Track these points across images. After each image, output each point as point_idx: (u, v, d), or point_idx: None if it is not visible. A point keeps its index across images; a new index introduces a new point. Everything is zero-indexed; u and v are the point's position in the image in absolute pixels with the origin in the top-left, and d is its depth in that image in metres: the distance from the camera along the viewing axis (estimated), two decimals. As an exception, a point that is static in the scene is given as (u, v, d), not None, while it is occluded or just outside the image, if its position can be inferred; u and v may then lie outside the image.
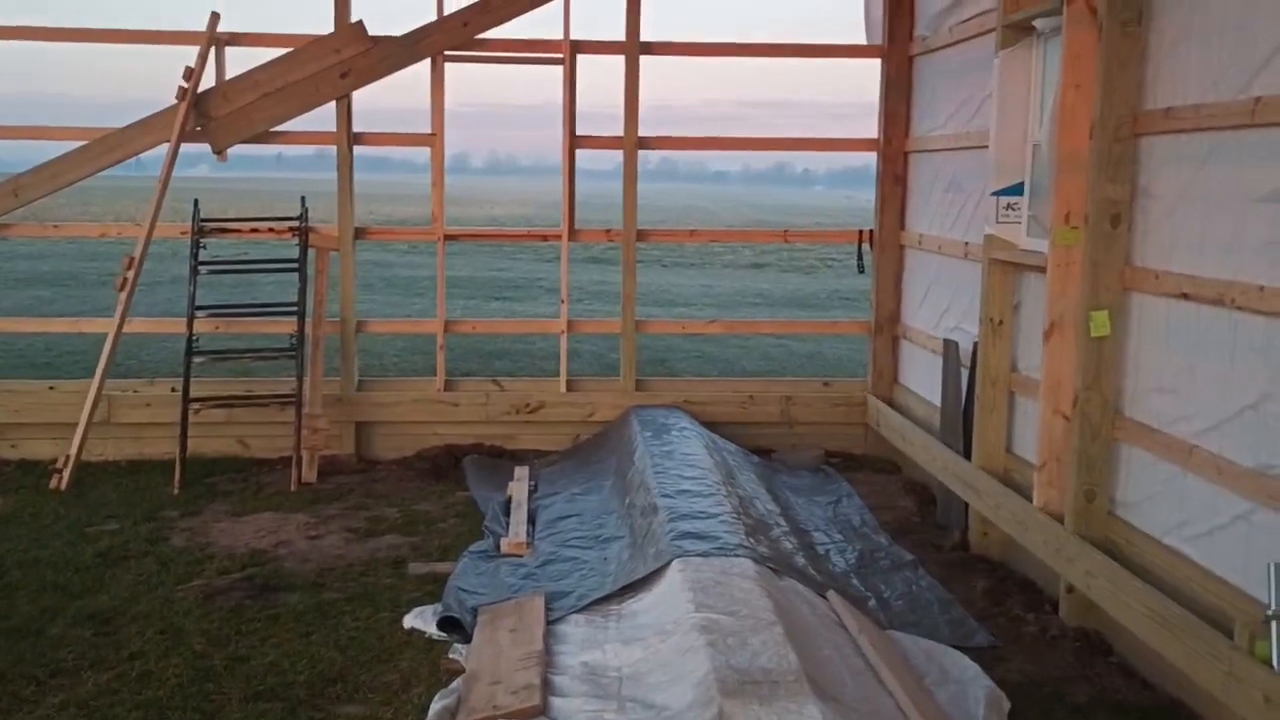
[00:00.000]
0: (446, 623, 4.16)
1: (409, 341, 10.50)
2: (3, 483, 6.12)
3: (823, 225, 28.40)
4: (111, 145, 6.47)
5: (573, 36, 6.63)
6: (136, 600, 4.43)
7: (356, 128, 6.60)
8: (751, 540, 4.45)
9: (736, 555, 4.22)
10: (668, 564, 4.16)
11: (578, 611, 4.08)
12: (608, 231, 7.20)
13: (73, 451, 6.05)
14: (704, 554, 4.20)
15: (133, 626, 4.18)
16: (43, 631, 4.12)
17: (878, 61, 6.82)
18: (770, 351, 11.39)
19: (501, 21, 6.63)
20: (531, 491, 5.77)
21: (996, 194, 5.08)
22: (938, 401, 5.89)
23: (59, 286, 15.57)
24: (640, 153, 6.75)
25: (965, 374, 5.57)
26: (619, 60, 6.66)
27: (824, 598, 4.20)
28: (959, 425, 5.55)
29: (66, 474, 5.98)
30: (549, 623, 3.99)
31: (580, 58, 6.67)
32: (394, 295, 15.05)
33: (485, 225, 21.77)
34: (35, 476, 6.16)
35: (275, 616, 4.27)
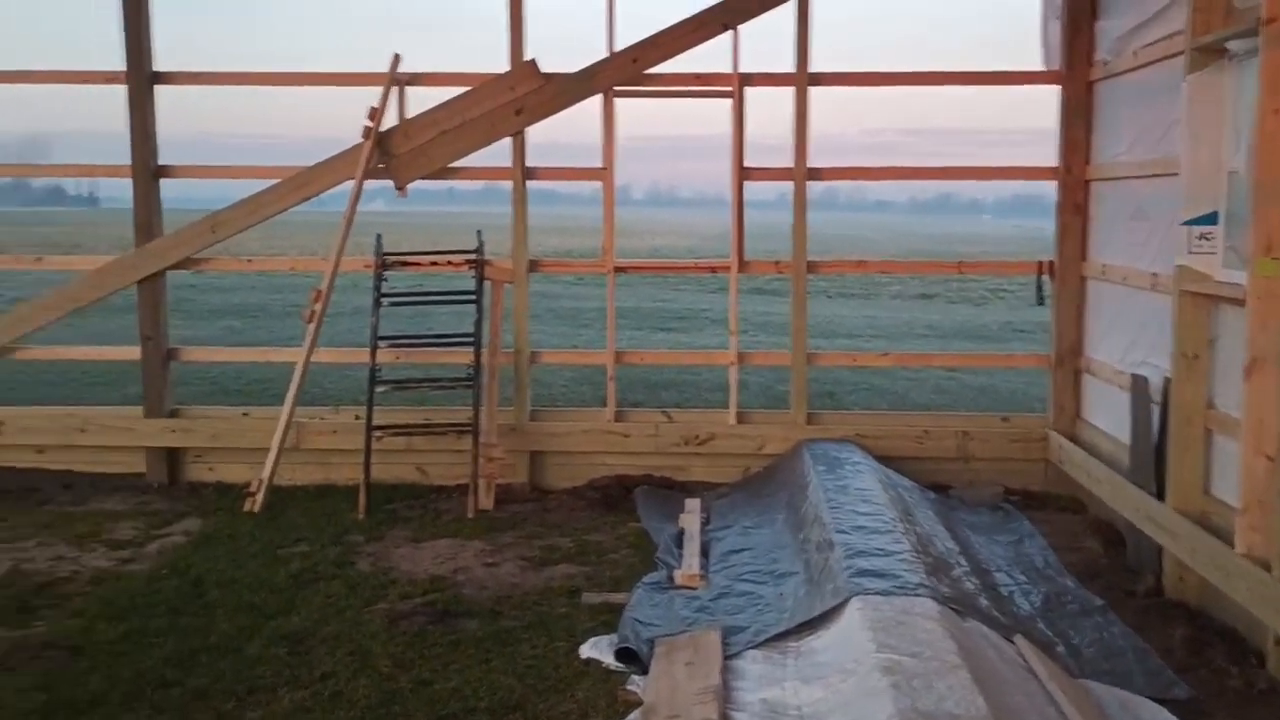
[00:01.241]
0: (622, 653, 4.18)
1: (576, 372, 10.67)
2: (201, 504, 6.46)
3: (992, 255, 27.70)
4: (301, 183, 6.79)
5: (741, 69, 6.65)
6: (326, 622, 4.60)
7: (529, 163, 6.76)
8: (932, 579, 4.34)
9: (918, 594, 4.11)
10: (846, 601, 4.08)
11: (755, 647, 4.04)
12: (777, 263, 7.17)
13: (265, 475, 6.33)
14: (884, 592, 4.11)
15: (324, 647, 4.33)
16: (241, 650, 4.31)
17: (1052, 87, 6.62)
18: (942, 385, 11.13)
19: (669, 57, 6.70)
20: (703, 524, 5.76)
21: (1188, 223, 4.84)
22: (1124, 438, 5.64)
23: (248, 317, 16.41)
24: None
25: (1156, 410, 5.31)
26: (779, 91, 6.67)
27: (1010, 641, 4.05)
28: (1150, 464, 5.30)
29: (260, 497, 6.27)
30: (726, 657, 3.96)
31: (747, 90, 6.69)
32: (560, 326, 15.33)
33: (648, 257, 21.95)
34: (230, 498, 6.48)
35: (456, 642, 4.37)
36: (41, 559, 5.47)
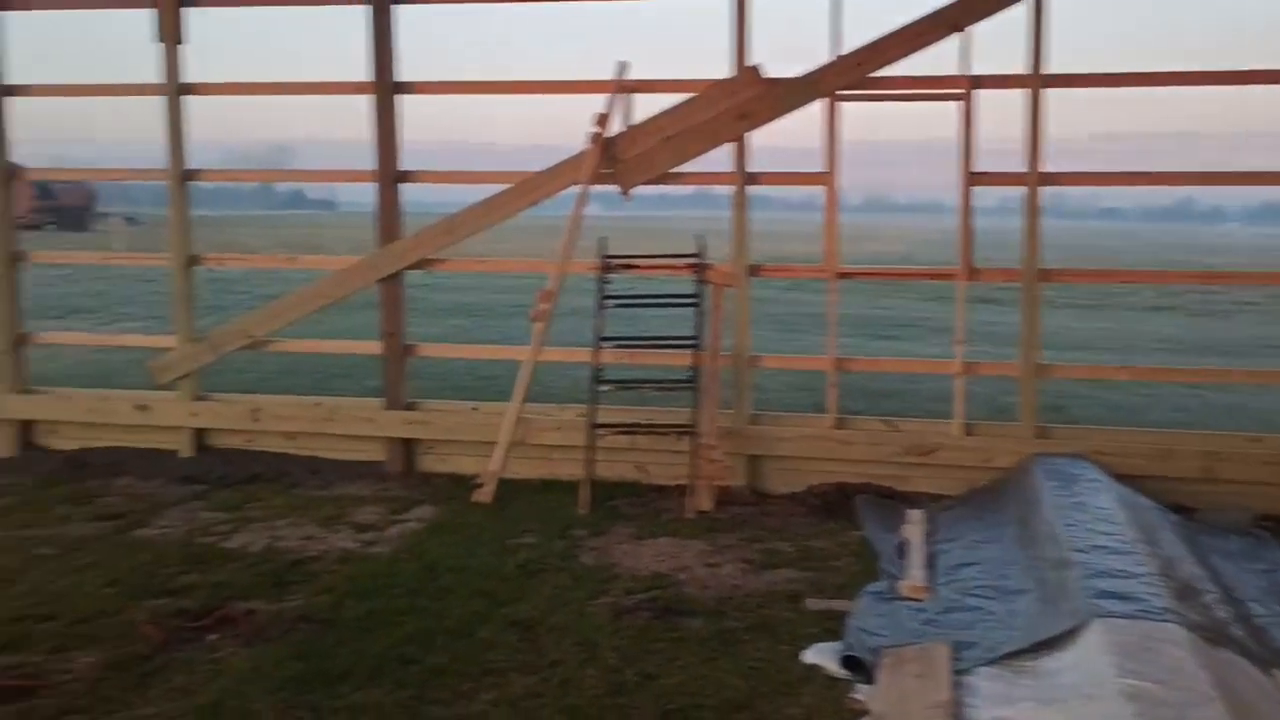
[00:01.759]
0: (847, 661, 4.14)
1: (792, 377, 10.59)
2: (434, 493, 6.76)
3: (1239, 266, 25.97)
4: (531, 187, 7.01)
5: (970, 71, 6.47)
6: (554, 611, 4.74)
7: (749, 168, 6.76)
8: (1180, 605, 4.10)
9: (1164, 620, 3.90)
10: (1085, 623, 3.91)
11: (987, 664, 3.92)
12: (1006, 271, 6.94)
13: (494, 468, 6.58)
14: (1127, 615, 3.92)
15: (551, 636, 4.46)
16: (474, 633, 4.49)
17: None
18: (1182, 402, 10.52)
19: (895, 60, 6.56)
20: (926, 535, 5.63)
21: None
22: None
23: (475, 316, 17.07)
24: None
25: None
26: (1005, 94, 6.46)
27: (1269, 675, 3.79)
28: None
29: (489, 489, 6.51)
30: (955, 672, 3.86)
31: (977, 93, 6.50)
32: (773, 331, 15.27)
33: (866, 263, 21.65)
34: (461, 489, 6.75)
35: (680, 639, 4.42)
36: (293, 538, 5.84)
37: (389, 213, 7.08)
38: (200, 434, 7.43)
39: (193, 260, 7.39)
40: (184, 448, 7.38)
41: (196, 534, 5.91)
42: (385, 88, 6.94)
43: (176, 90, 7.10)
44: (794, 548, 5.69)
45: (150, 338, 8.46)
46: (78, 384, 8.24)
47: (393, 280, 7.14)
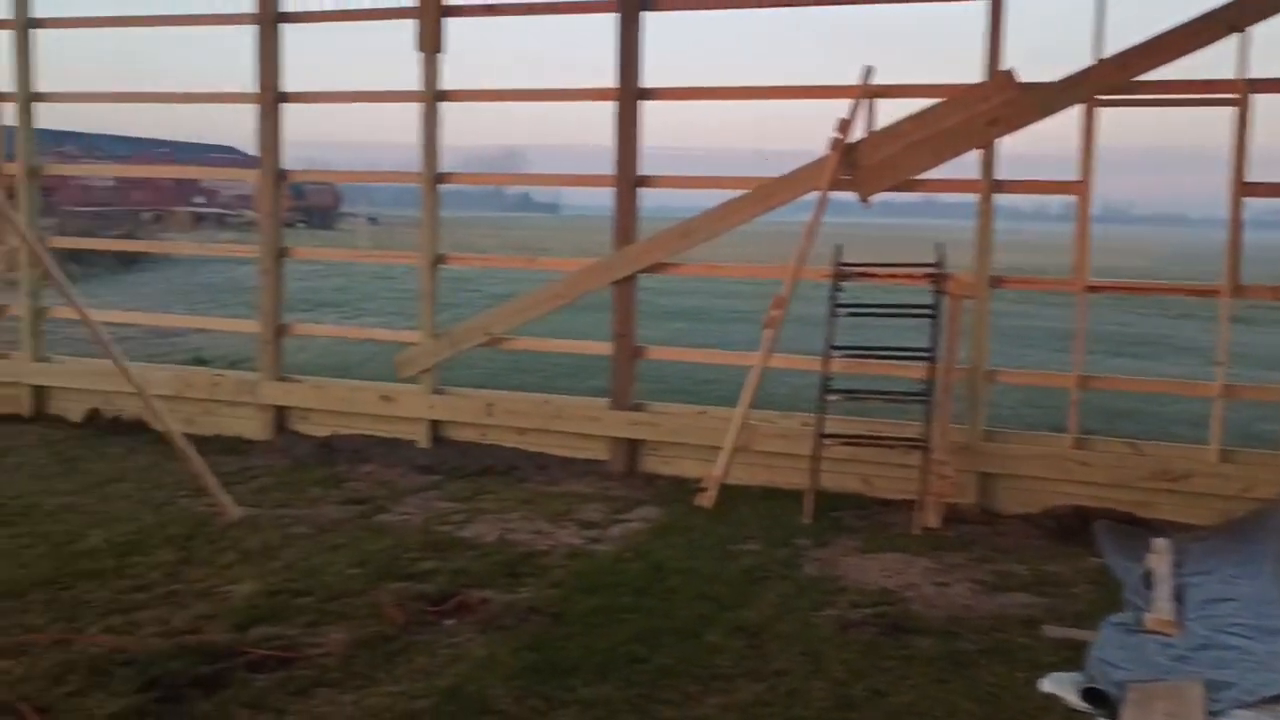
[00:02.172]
0: (1088, 694, 3.95)
1: (1022, 393, 10.20)
2: (657, 494, 6.85)
3: None
4: (768, 193, 7.01)
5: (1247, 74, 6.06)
6: (779, 620, 4.72)
7: (996, 175, 6.55)
8: None
9: None
10: (1362, 673, 3.60)
11: (1245, 707, 3.67)
12: (1276, 289, 6.47)
13: (718, 472, 6.60)
14: None
15: (777, 644, 4.44)
16: (700, 636, 4.52)
17: None
18: None
19: (1163, 63, 6.24)
20: (1174, 566, 5.31)
21: None
22: None
23: (695, 320, 17.21)
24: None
25: None
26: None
27: None
28: None
29: (712, 493, 6.55)
30: (1210, 714, 3.63)
31: (1256, 98, 6.08)
32: (1003, 345, 14.72)
33: (1106, 276, 20.66)
34: (684, 491, 6.81)
35: (909, 658, 4.32)
36: (524, 531, 6.03)
37: (626, 216, 7.22)
38: (437, 426, 7.77)
39: (439, 260, 7.73)
40: (422, 438, 7.73)
41: (434, 522, 6.18)
42: (629, 94, 7.07)
43: (434, 97, 7.45)
44: (1028, 571, 5.48)
45: (394, 332, 8.91)
46: (322, 374, 8.75)
47: (626, 283, 7.27)
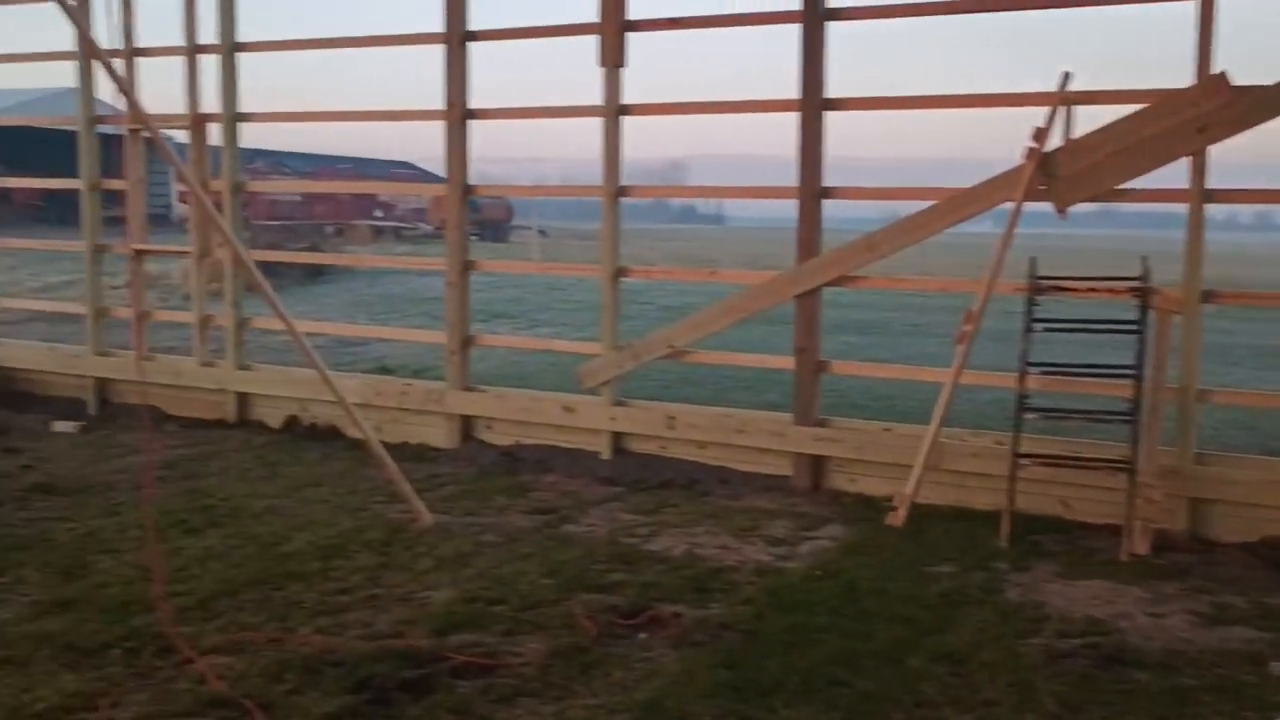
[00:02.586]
0: (1332, 741, 3.67)
1: (1227, 414, 9.65)
2: (843, 512, 6.72)
3: None
4: (959, 204, 6.81)
5: None
6: (982, 646, 4.54)
7: (1208, 184, 6.21)
8: None
9: None
10: None
11: None
12: None
13: (908, 491, 6.44)
14: None
15: (983, 673, 4.28)
16: (902, 661, 4.39)
17: None
18: None
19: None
20: None
21: None
22: None
23: (865, 334, 16.91)
24: None
25: None
26: None
27: None
28: None
29: (902, 512, 6.38)
30: None
31: None
32: (1210, 364, 14.01)
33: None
34: (871, 510, 6.67)
35: (1128, 692, 4.11)
36: (710, 546, 6.00)
37: (809, 229, 7.12)
38: (618, 437, 7.81)
39: (620, 272, 7.78)
40: (604, 450, 7.79)
41: (619, 534, 6.20)
42: (813, 105, 6.99)
43: (616, 111, 7.52)
44: (1249, 603, 5.15)
45: (575, 344, 9.02)
46: (499, 384, 8.89)
47: (810, 297, 7.17)
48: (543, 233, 42.77)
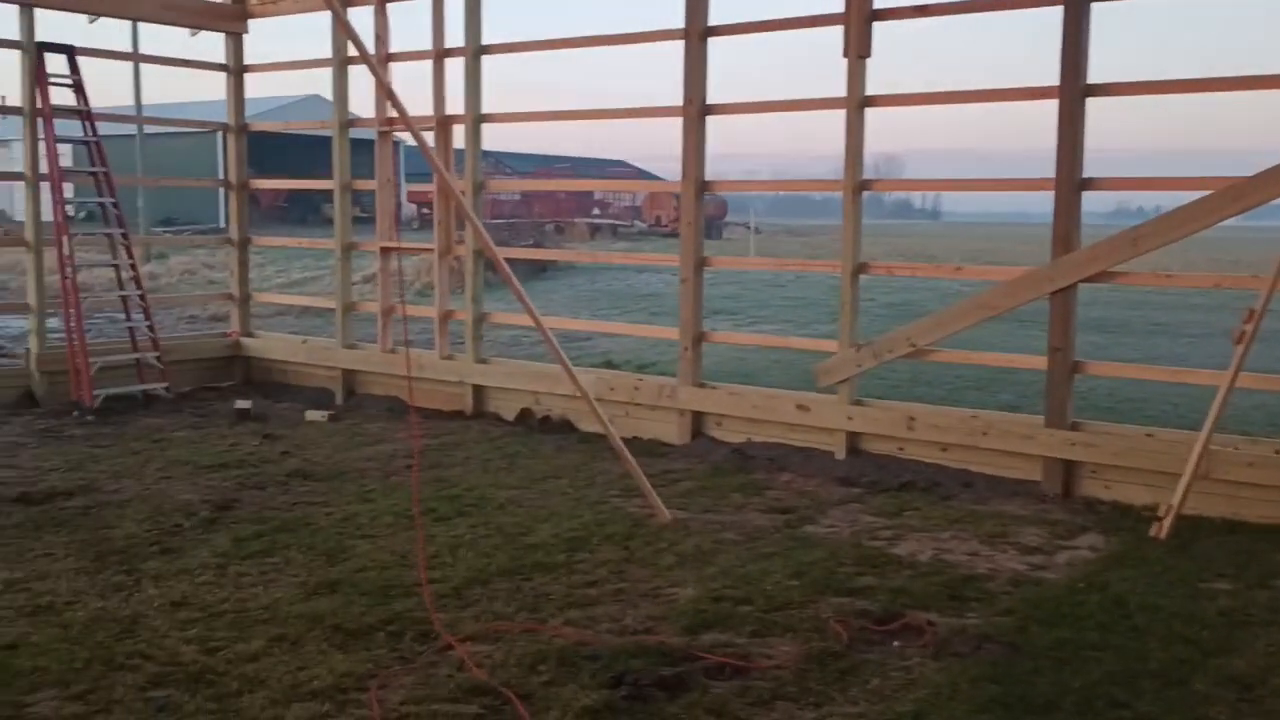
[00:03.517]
0: None
1: None
2: (1100, 521, 6.34)
3: None
4: (1236, 195, 6.30)
5: None
6: (1273, 671, 4.18)
7: None
8: None
9: None
10: None
11: None
12: None
13: (1175, 501, 6.01)
14: None
15: (1276, 700, 3.93)
16: (1185, 683, 4.08)
17: None
18: None
19: None
20: None
21: None
22: None
23: (1107, 333, 16.06)
24: None
25: None
26: None
27: None
28: None
29: (1167, 524, 5.97)
30: None
31: None
32: None
33: None
34: (1132, 519, 6.28)
35: None
36: (959, 552, 5.76)
37: (1067, 222, 6.75)
38: (854, 437, 7.62)
39: (861, 268, 7.58)
40: (838, 449, 7.61)
41: (862, 536, 6.03)
42: (1073, 91, 6.61)
43: (859, 103, 7.33)
44: None
45: (811, 341, 8.87)
46: (722, 380, 8.82)
47: (1065, 293, 6.80)
48: (755, 229, 42.61)
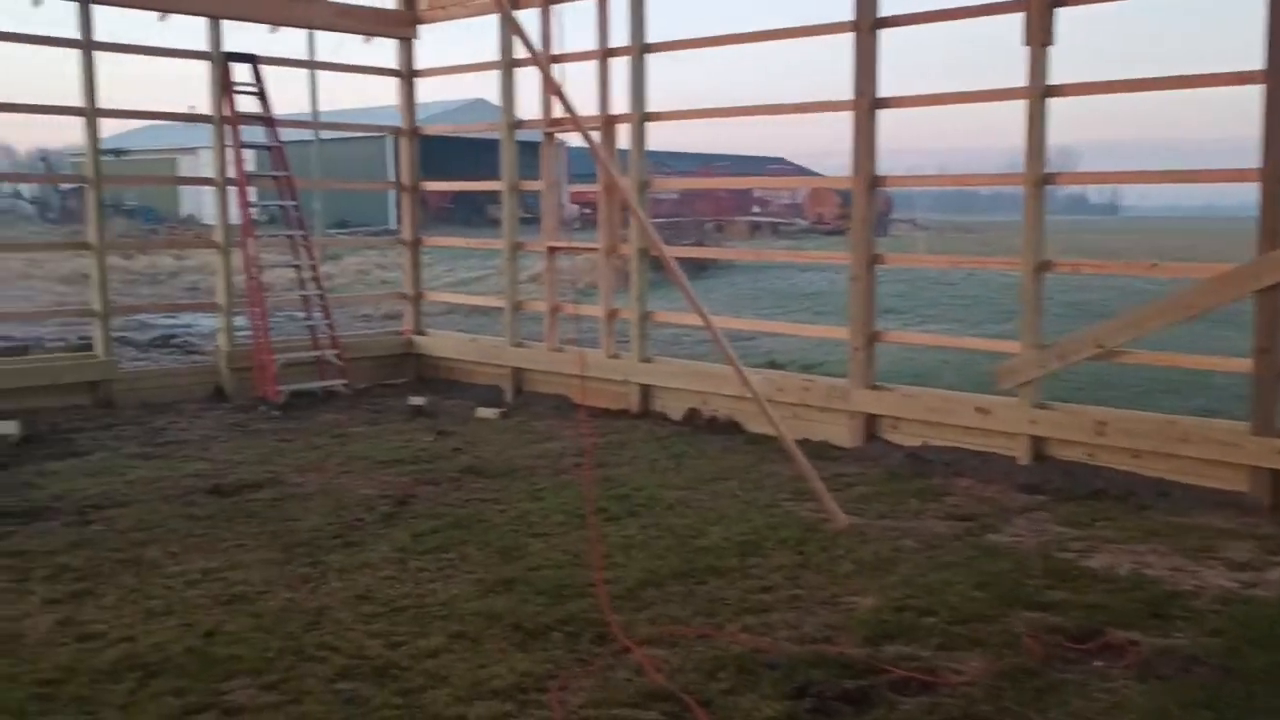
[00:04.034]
0: None
1: None
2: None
3: None
4: None
5: None
6: None
7: None
8: None
9: None
10: None
11: None
12: None
13: (1402, 518, 5.53)
14: None
15: None
16: None
17: None
18: None
19: None
20: None
21: None
22: None
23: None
24: None
25: None
26: None
27: None
28: None
29: (1394, 541, 5.50)
30: None
31: None
32: None
33: None
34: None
35: None
36: (1160, 567, 5.42)
37: (1274, 216, 6.29)
38: (1038, 442, 7.28)
39: (1044, 266, 7.24)
40: (1021, 454, 7.29)
41: (1051, 547, 5.74)
42: (1282, 76, 6.16)
43: (1041, 93, 7.00)
44: None
45: (989, 341, 8.54)
46: (892, 382, 8.53)
47: (1273, 291, 6.34)
48: (917, 225, 41.69)
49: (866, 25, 7.81)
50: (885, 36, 7.83)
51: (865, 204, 8.04)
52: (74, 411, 9.10)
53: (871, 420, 8.07)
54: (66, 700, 3.89)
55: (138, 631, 4.51)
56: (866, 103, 7.85)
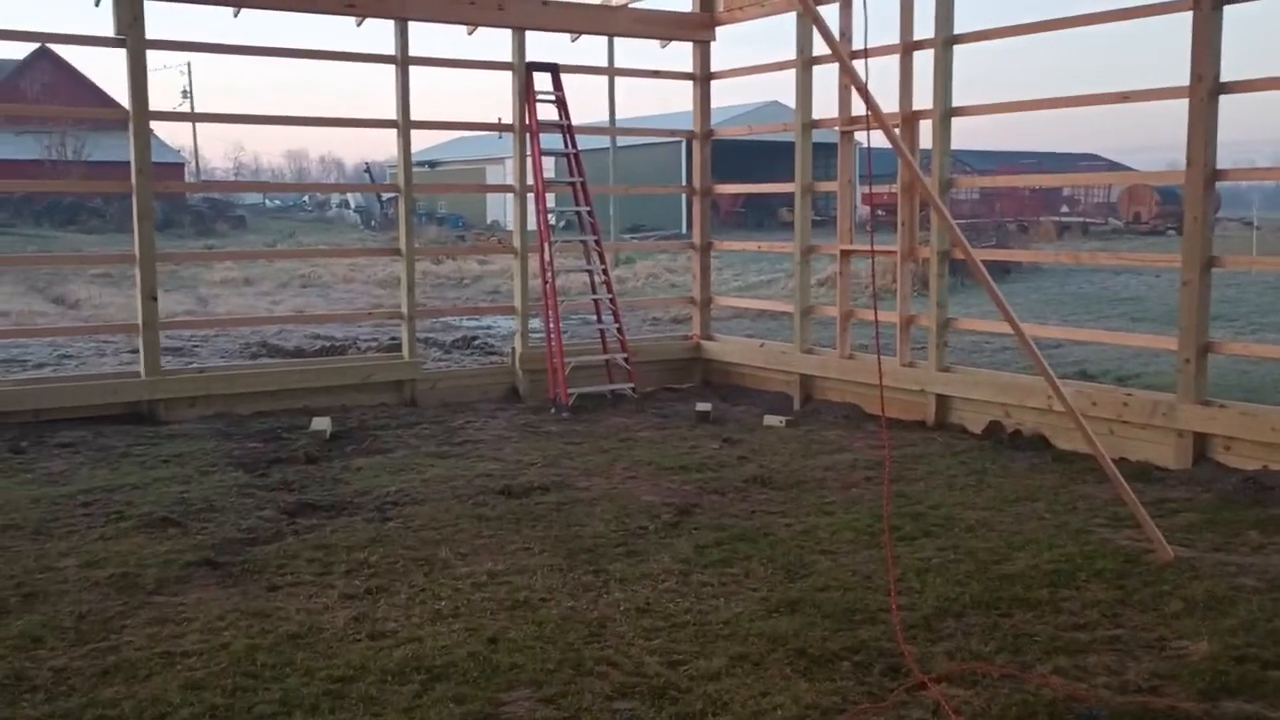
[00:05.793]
0: None
1: None
2: None
3: None
4: None
5: None
6: None
7: None
8: None
9: None
10: None
11: None
12: None
13: None
14: None
15: None
16: None
17: None
18: None
19: None
20: None
21: None
22: None
23: None
24: None
25: None
26: None
27: None
28: None
29: None
30: None
31: None
32: None
33: None
34: None
35: None
36: None
37: None
38: None
39: None
40: (1388, 485, 6.32)
41: None
42: None
43: None
44: None
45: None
46: (1220, 396, 7.62)
47: None
48: (1248, 223, 38.06)
49: (1210, 2, 7.02)
50: (1229, 13, 7.02)
51: (1202, 201, 7.24)
52: (381, 409, 9.58)
53: (1201, 439, 7.25)
54: (356, 699, 3.95)
55: (425, 633, 4.56)
56: (1206, 88, 7.06)
